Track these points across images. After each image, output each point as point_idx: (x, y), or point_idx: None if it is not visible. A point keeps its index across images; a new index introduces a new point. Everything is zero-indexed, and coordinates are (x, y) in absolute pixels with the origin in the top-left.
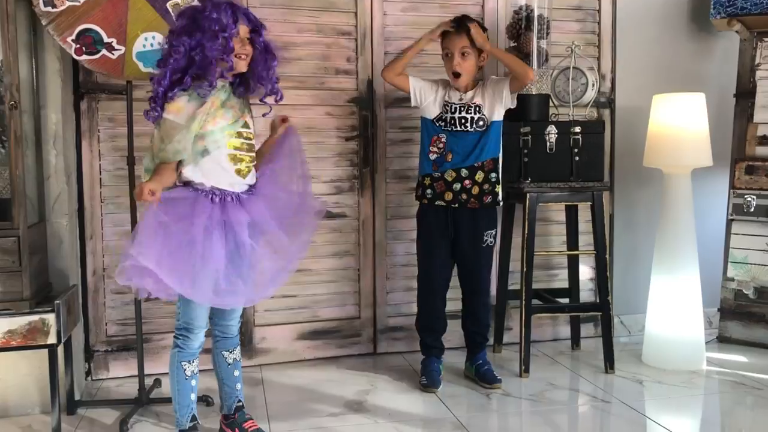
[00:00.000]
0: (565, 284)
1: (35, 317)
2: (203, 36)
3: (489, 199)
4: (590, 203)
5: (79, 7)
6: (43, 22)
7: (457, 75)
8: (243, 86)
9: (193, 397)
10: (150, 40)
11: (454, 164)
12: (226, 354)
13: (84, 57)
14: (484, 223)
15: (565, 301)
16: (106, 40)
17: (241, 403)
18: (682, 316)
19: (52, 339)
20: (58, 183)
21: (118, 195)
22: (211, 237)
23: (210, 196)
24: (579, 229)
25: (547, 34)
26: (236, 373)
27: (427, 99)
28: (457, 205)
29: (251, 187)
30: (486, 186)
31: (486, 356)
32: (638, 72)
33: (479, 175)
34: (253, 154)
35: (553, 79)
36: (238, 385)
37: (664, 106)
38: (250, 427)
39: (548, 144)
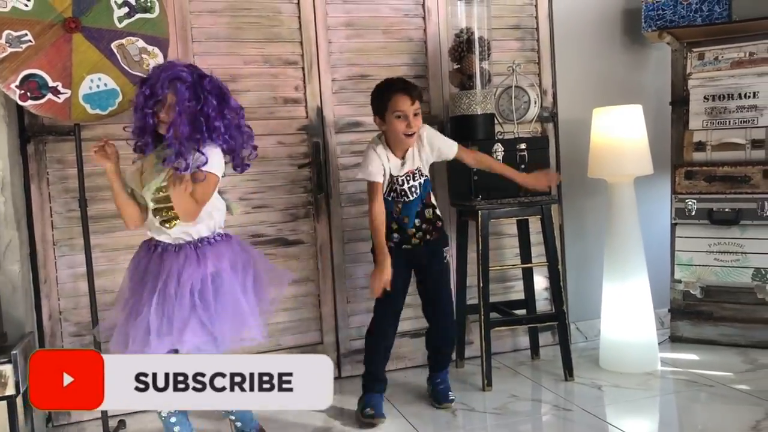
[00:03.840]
0: (521, 296)
1: None
2: (135, 109)
3: (439, 223)
4: (540, 216)
5: (22, 53)
6: None
7: (410, 135)
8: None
9: (177, 429)
10: (96, 82)
11: (411, 224)
12: None
13: (29, 102)
14: (442, 243)
15: (522, 312)
16: (51, 84)
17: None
18: (635, 319)
19: (10, 390)
20: (8, 231)
21: (71, 237)
22: (138, 287)
23: (151, 247)
24: (531, 241)
25: (489, 55)
26: (231, 416)
27: (382, 177)
28: (422, 244)
29: (202, 240)
30: (434, 215)
31: (446, 376)
32: (578, 85)
33: (428, 213)
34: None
35: (497, 98)
36: (238, 424)
37: (604, 119)
38: None
39: None
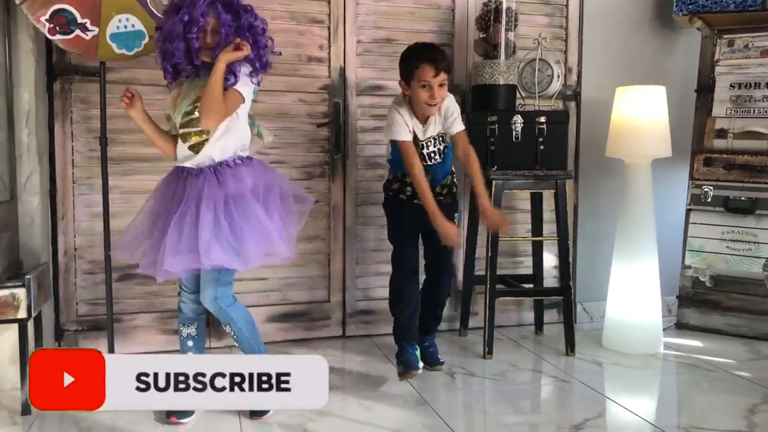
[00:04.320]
0: (530, 271)
1: (5, 291)
2: (163, 36)
3: (454, 189)
4: (554, 191)
5: None
6: (17, 1)
7: (432, 105)
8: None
9: (190, 354)
10: (124, 22)
11: (431, 185)
12: (224, 326)
13: (58, 37)
14: (452, 208)
15: (530, 287)
16: (79, 20)
17: None
18: (641, 302)
19: (22, 313)
20: (30, 162)
21: (90, 176)
22: (163, 209)
23: (179, 174)
24: (543, 218)
25: (515, 26)
26: (234, 344)
27: (410, 135)
28: None
29: (222, 163)
30: (451, 181)
31: (434, 340)
32: (604, 66)
33: (447, 179)
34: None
35: (520, 70)
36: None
37: (626, 98)
38: None
39: (514, 133)
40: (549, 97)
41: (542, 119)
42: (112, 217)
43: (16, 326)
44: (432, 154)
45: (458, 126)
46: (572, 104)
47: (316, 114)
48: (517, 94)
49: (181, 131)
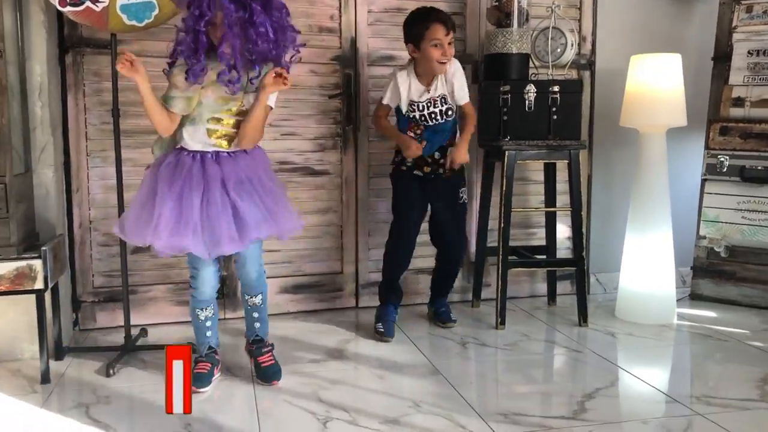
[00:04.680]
0: (543, 242)
1: (22, 263)
2: (184, 28)
3: (457, 165)
4: (567, 161)
5: None
6: None
7: (443, 63)
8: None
9: (209, 333)
10: None
11: (428, 150)
12: (247, 297)
13: (68, 8)
14: (457, 183)
15: (543, 258)
16: None
17: (258, 338)
18: (654, 272)
19: (39, 284)
20: (44, 134)
21: (104, 149)
22: (185, 192)
23: (191, 155)
24: (557, 190)
25: None
26: (255, 314)
27: (396, 102)
28: (433, 176)
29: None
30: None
31: (446, 301)
32: (619, 35)
33: (447, 147)
34: (235, 130)
35: (533, 39)
36: (256, 324)
37: (641, 67)
38: (264, 362)
39: (527, 103)
40: (562, 66)
41: (555, 88)
42: (126, 189)
43: (33, 297)
44: (433, 115)
45: (465, 97)
46: (586, 73)
47: (328, 85)
48: (530, 63)
49: (208, 126)
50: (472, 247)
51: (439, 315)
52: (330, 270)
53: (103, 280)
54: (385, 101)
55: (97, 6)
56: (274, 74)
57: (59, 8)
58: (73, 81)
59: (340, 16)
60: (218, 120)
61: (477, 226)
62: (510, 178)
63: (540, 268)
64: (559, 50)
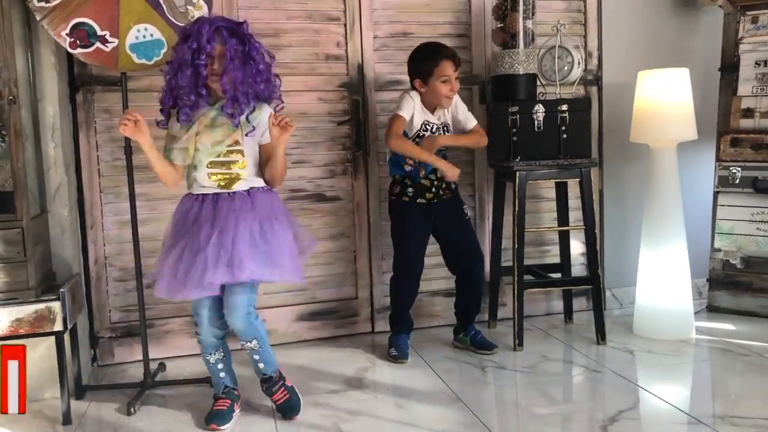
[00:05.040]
0: (557, 260)
1: (41, 305)
2: (175, 67)
3: (453, 185)
4: (579, 179)
5: (72, 1)
6: (38, 17)
7: (451, 97)
8: (232, 103)
9: (223, 375)
10: (143, 32)
11: (426, 175)
12: (242, 343)
13: (79, 50)
14: (458, 199)
15: (557, 276)
16: (99, 33)
17: (266, 376)
18: (671, 287)
19: (58, 326)
20: (57, 174)
21: (117, 185)
22: (190, 233)
23: (197, 198)
24: (569, 206)
25: (533, 14)
26: (255, 357)
27: (410, 114)
28: (436, 200)
29: (252, 188)
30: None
31: (475, 326)
32: (625, 49)
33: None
34: (237, 171)
35: (540, 58)
36: (260, 365)
37: (649, 82)
38: (277, 399)
39: (536, 123)
40: (570, 84)
41: (564, 107)
42: (140, 224)
43: (53, 338)
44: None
45: (472, 121)
46: (594, 89)
47: (336, 112)
48: (538, 83)
49: (209, 171)
50: (487, 267)
51: (477, 342)
52: (344, 296)
53: (120, 315)
54: (401, 113)
55: (106, 46)
56: (276, 123)
57: (70, 50)
58: (84, 119)
59: (346, 43)
60: (216, 163)
61: (491, 245)
62: (522, 198)
63: (555, 287)
64: (566, 68)
